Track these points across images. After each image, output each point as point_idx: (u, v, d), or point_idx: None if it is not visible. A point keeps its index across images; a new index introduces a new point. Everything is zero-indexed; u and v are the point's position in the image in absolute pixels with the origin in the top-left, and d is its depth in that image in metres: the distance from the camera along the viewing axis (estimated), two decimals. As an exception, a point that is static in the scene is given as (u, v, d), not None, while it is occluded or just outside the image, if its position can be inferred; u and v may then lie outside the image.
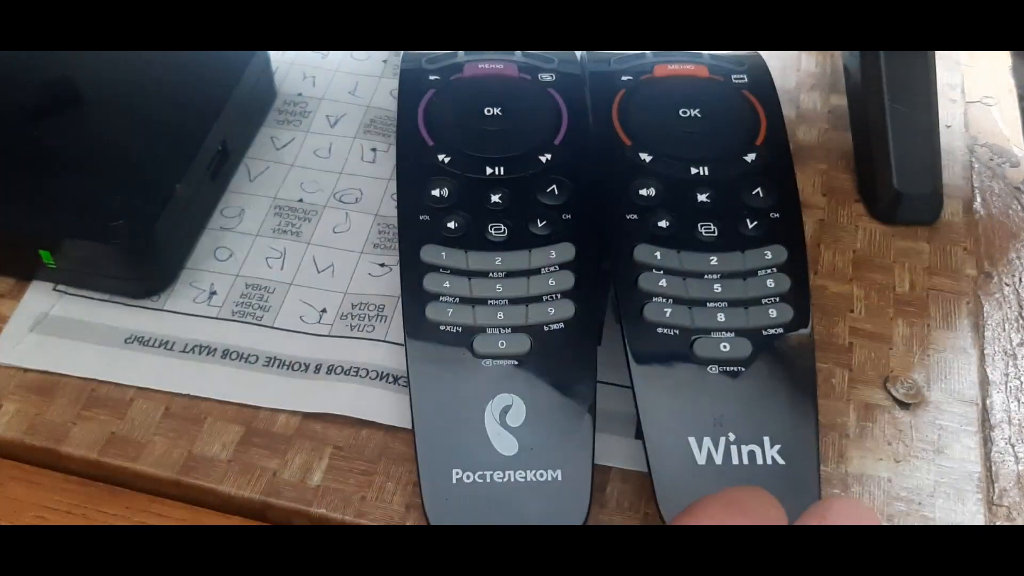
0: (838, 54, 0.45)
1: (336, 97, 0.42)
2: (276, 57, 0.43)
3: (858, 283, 0.36)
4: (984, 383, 0.34)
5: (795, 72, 0.44)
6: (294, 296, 0.35)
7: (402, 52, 0.38)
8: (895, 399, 0.33)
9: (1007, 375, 0.34)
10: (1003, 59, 0.45)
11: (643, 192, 0.33)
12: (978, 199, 0.39)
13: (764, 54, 0.42)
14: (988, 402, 0.33)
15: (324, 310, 0.35)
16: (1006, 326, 0.35)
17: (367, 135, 0.41)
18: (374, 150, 0.40)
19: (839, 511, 0.22)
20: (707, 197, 0.33)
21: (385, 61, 0.44)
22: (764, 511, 0.22)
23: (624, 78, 0.36)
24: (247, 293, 0.35)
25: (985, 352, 0.35)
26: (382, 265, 0.36)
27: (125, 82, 0.37)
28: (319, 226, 0.37)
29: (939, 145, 0.39)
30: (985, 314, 0.36)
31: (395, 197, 0.34)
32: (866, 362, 0.34)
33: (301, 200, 0.38)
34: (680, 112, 0.35)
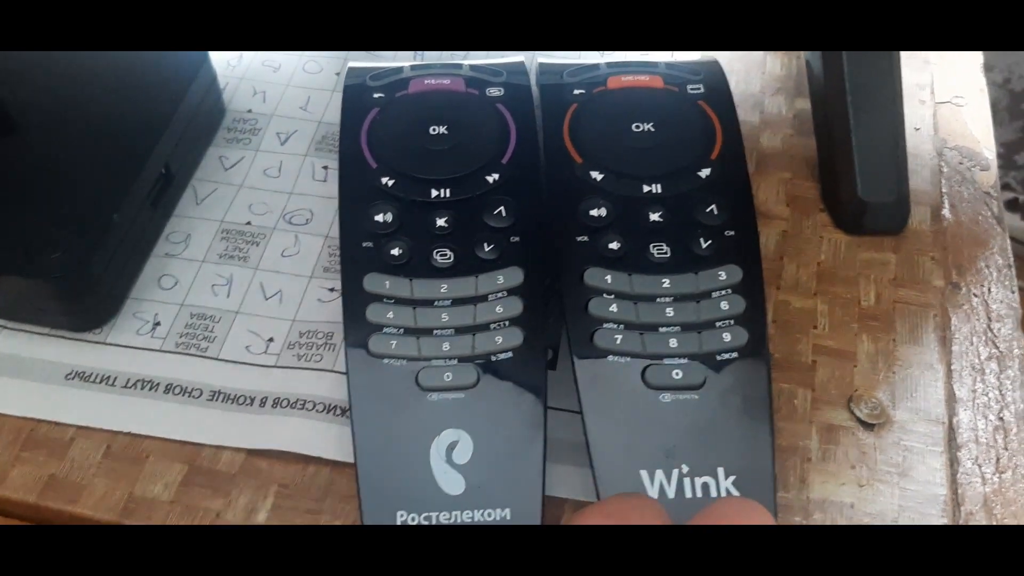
0: (804, 55, 0.44)
1: (287, 113, 0.41)
2: (224, 72, 0.42)
3: (822, 297, 0.35)
4: (951, 400, 0.33)
5: (759, 75, 0.43)
6: (240, 325, 0.34)
7: (348, 66, 0.37)
8: (859, 420, 0.32)
9: (975, 391, 0.33)
10: (974, 58, 0.44)
11: (593, 212, 0.32)
12: (947, 205, 0.38)
13: (728, 56, 0.41)
14: (955, 420, 0.32)
15: (271, 339, 0.34)
16: (974, 339, 0.34)
17: (319, 152, 0.39)
18: (325, 168, 0.39)
19: (726, 511, 0.21)
20: (659, 216, 0.32)
21: (338, 74, 0.42)
22: (644, 520, 0.22)
23: (576, 91, 0.35)
24: (192, 323, 0.34)
25: (952, 368, 0.34)
26: (332, 290, 0.35)
27: (59, 102, 0.36)
28: (267, 250, 0.36)
29: (905, 150, 0.38)
30: (952, 327, 0.35)
31: (343, 221, 0.33)
32: (829, 381, 0.33)
33: (249, 223, 0.37)
34: (633, 126, 0.34)
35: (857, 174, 0.37)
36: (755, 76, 0.43)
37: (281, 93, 0.41)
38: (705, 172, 0.33)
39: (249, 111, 0.41)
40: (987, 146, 0.40)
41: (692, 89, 0.35)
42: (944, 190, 0.39)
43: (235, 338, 0.34)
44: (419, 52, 0.43)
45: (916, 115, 0.41)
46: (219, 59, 0.42)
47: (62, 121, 0.36)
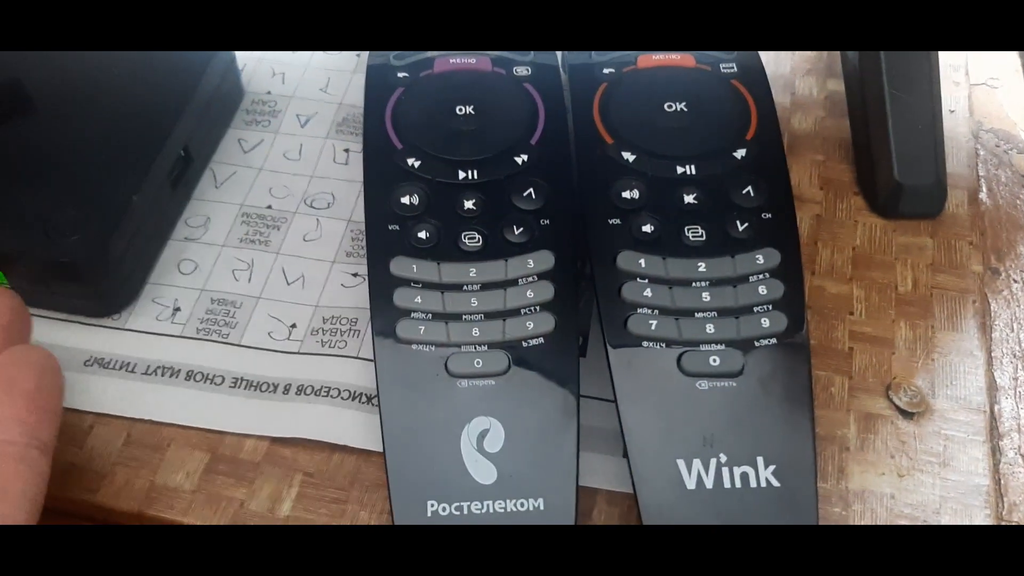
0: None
1: (307, 95, 0.40)
2: (242, 52, 0.41)
3: (858, 283, 0.34)
4: (992, 388, 0.32)
5: (789, 56, 0.42)
6: (262, 311, 0.33)
7: (372, 47, 0.36)
8: (898, 408, 0.31)
9: (1016, 379, 0.32)
10: (1009, 36, 0.43)
11: (626, 194, 0.31)
12: (984, 189, 0.37)
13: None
14: (996, 409, 0.31)
15: (294, 325, 0.33)
16: (1014, 326, 0.33)
17: (339, 135, 0.39)
18: (347, 151, 0.38)
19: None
20: (694, 198, 0.31)
21: (358, 55, 0.41)
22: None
23: (606, 71, 0.34)
24: (213, 309, 0.33)
25: (993, 355, 0.33)
26: (355, 275, 0.34)
27: (77, 85, 0.35)
28: (289, 234, 0.35)
29: (942, 132, 0.37)
30: (992, 313, 0.34)
31: (367, 203, 0.32)
32: (867, 368, 0.32)
33: (270, 207, 0.36)
34: (665, 106, 0.33)
35: (894, 156, 0.36)
36: (785, 57, 0.42)
37: (300, 75, 0.41)
38: (740, 153, 0.32)
39: (268, 92, 0.40)
40: (1024, 128, 0.39)
41: (725, 68, 0.34)
42: (981, 173, 0.38)
43: (257, 324, 0.33)
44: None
45: (951, 97, 0.40)
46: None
47: (80, 102, 0.35)
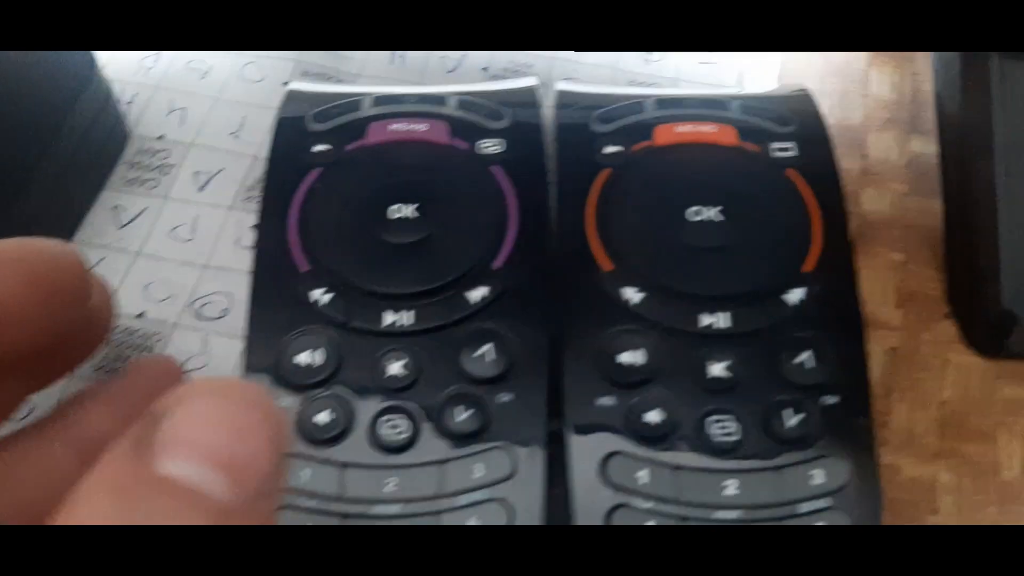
0: (924, 71, 0.32)
1: (212, 142, 0.30)
2: (132, 77, 0.31)
3: (946, 461, 0.25)
4: None
5: (860, 99, 0.32)
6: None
7: (287, 90, 0.26)
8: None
9: None
10: None
11: (625, 358, 0.21)
12: (1125, 314, 0.27)
13: (819, 72, 0.30)
14: None
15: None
16: None
17: (247, 204, 0.29)
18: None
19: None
20: (726, 368, 0.21)
21: (286, 84, 0.31)
22: None
23: (608, 149, 0.24)
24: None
25: None
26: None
27: None
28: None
29: (1072, 233, 0.27)
30: None
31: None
32: (957, 602, 0.23)
33: (142, 315, 0.27)
34: (691, 213, 0.23)
35: (1002, 272, 0.26)
36: (855, 100, 0.31)
37: (207, 110, 0.30)
38: (796, 295, 0.22)
39: (160, 138, 0.30)
40: None
41: (779, 149, 0.24)
42: (1120, 288, 0.28)
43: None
44: (397, 53, 0.32)
45: (1078, 168, 0.30)
46: (128, 61, 0.31)
47: None
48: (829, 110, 0.30)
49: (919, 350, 0.26)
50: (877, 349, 0.26)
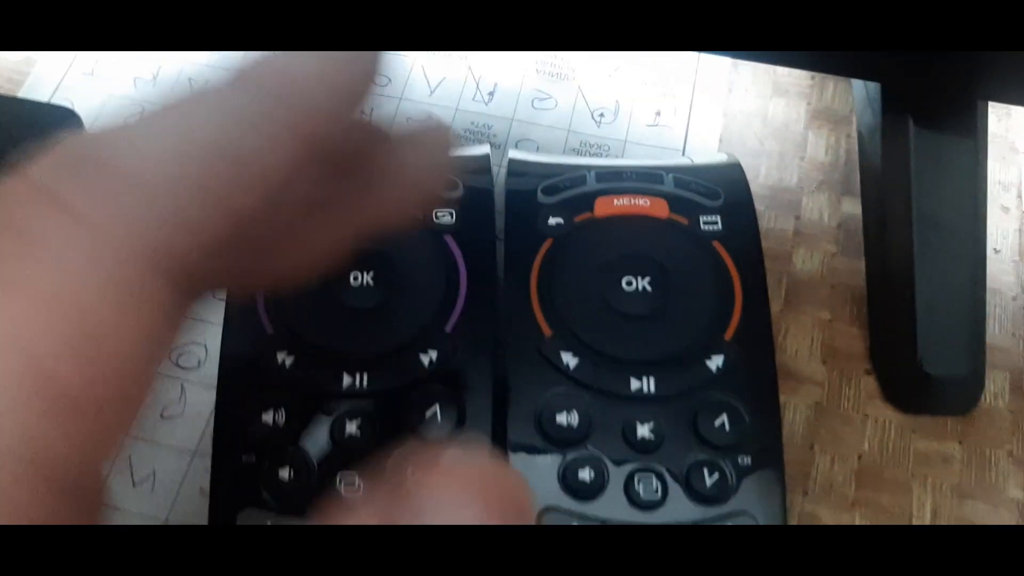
0: (855, 133, 0.34)
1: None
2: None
3: (862, 510, 0.27)
4: None
5: (797, 162, 0.34)
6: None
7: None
8: None
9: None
10: (1074, 148, 0.34)
11: (561, 419, 0.23)
12: (1031, 371, 0.30)
13: (760, 131, 0.32)
14: None
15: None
16: (1060, 585, 0.26)
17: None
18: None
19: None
20: (650, 431, 0.23)
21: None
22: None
23: (552, 220, 0.26)
24: None
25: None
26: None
27: None
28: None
29: (984, 292, 0.29)
30: (1032, 563, 0.26)
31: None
32: (864, 640, 0.25)
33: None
34: (624, 282, 0.25)
35: (918, 334, 0.28)
36: (792, 163, 0.34)
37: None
38: (716, 362, 0.24)
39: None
40: (1087, 281, 0.31)
41: (707, 223, 0.26)
42: (1028, 346, 0.30)
43: None
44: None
45: (997, 229, 0.32)
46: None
47: None
48: (767, 172, 0.32)
49: (841, 404, 0.29)
50: (801, 404, 0.29)
